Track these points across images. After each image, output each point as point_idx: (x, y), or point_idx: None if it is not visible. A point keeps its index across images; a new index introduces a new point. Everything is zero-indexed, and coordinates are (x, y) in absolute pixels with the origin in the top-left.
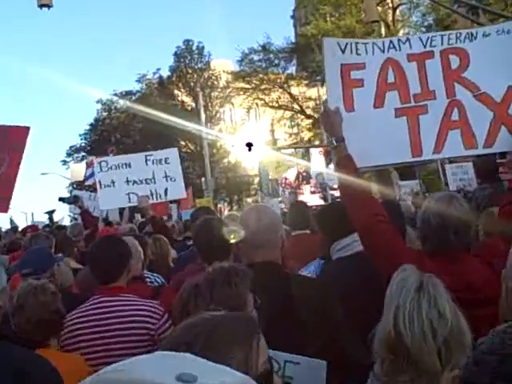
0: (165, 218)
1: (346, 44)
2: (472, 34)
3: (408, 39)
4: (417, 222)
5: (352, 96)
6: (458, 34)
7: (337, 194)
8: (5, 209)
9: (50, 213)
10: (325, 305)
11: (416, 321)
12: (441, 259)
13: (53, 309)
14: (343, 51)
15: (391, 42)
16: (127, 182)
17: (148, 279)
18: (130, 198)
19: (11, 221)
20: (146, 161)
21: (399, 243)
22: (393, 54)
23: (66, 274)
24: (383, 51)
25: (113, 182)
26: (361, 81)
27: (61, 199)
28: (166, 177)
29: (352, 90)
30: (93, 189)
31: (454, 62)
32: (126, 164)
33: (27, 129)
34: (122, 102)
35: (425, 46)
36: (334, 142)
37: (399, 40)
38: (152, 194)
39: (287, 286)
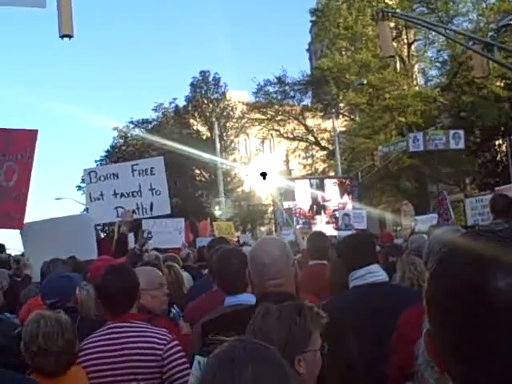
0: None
1: None
2: None
3: None
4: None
5: None
6: None
7: None
8: (18, 225)
9: None
10: (338, 341)
11: None
12: None
13: (75, 351)
14: None
15: None
16: (115, 194)
17: None
18: (118, 213)
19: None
20: (133, 171)
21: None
22: None
23: (88, 300)
24: None
25: (102, 195)
26: None
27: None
28: (152, 189)
29: None
30: None
31: None
32: (113, 174)
33: (35, 132)
34: (137, 130)
35: None
36: None
37: None
38: (138, 208)
39: None
